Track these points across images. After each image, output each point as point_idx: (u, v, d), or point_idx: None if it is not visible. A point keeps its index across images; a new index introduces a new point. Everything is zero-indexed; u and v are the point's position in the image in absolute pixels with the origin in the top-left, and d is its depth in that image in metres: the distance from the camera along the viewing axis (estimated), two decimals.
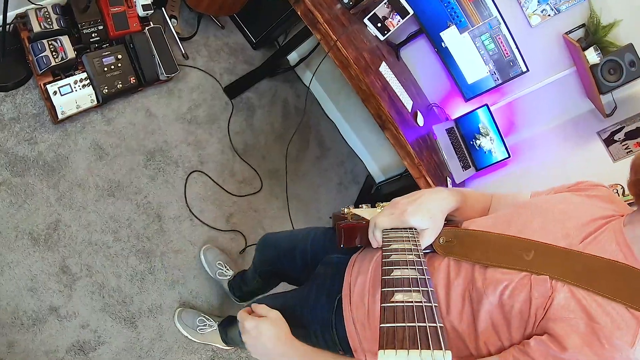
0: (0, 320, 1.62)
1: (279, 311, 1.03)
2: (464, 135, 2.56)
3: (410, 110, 2.17)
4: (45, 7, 1.89)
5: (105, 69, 2.08)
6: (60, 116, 1.93)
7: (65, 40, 1.94)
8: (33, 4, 1.87)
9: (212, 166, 2.54)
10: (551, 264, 0.72)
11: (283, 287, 1.57)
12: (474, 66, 2.44)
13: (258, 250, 1.60)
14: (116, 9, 2.12)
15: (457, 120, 2.58)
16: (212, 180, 2.50)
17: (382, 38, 2.43)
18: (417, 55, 2.70)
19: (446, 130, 2.46)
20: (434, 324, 0.44)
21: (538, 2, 2.27)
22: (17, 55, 1.92)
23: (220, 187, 2.52)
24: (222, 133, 2.68)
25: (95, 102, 2.06)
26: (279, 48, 3.07)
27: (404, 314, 0.47)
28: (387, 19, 2.38)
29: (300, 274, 1.34)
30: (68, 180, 1.97)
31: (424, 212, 0.85)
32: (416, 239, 0.77)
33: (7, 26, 1.79)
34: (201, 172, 2.47)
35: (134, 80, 2.20)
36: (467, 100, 2.56)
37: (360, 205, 1.22)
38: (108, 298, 1.88)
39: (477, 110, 2.48)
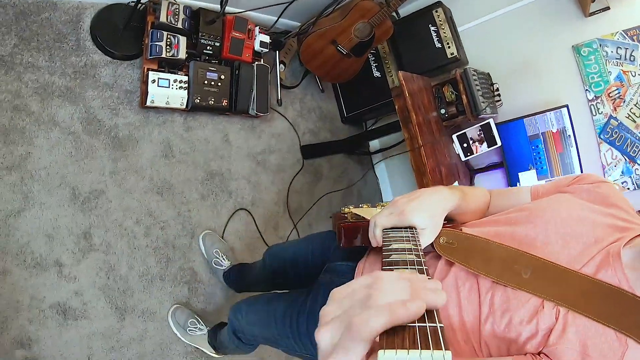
0: (8, 247, 1.56)
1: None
2: None
3: None
4: (178, 4, 2.02)
5: (206, 82, 2.15)
6: (148, 103, 1.97)
7: (182, 40, 2.03)
8: None
9: (261, 212, 2.48)
10: (548, 285, 0.71)
11: None
12: None
13: (264, 261, 1.58)
14: (237, 34, 2.24)
15: None
16: (256, 224, 2.43)
17: (463, 158, 2.42)
18: (490, 186, 2.63)
19: None
20: (434, 324, 0.43)
21: (622, 172, 2.21)
22: (137, 33, 2.01)
23: (261, 235, 2.43)
24: (283, 186, 2.65)
25: (184, 107, 2.11)
26: (365, 131, 3.11)
27: None
28: (475, 142, 2.38)
29: (302, 283, 1.31)
30: (128, 162, 1.95)
31: (424, 210, 0.84)
32: (416, 239, 0.75)
33: (139, 4, 1.90)
34: (249, 212, 2.41)
35: (225, 104, 2.25)
36: None
37: (360, 205, 1.24)
38: (112, 281, 1.79)
39: None
